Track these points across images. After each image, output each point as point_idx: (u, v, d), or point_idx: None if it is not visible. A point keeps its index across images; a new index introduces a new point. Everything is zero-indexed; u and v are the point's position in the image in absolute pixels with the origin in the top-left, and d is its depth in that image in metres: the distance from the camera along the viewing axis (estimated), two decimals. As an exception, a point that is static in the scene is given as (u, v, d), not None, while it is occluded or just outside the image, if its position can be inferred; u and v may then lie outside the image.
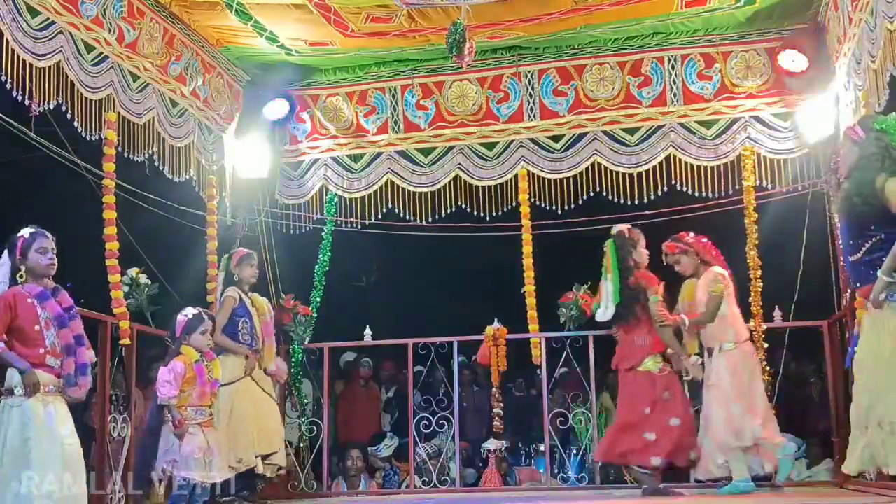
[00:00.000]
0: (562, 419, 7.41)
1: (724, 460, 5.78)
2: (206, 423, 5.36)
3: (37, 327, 4.17)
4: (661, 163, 7.16)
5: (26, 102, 5.13)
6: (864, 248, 4.22)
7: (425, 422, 7.45)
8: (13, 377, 4.12)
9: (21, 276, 4.26)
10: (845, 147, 4.53)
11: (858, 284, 4.34)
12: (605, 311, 6.08)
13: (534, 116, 7.40)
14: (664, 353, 6.00)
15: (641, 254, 6.15)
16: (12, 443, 4.04)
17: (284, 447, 6.54)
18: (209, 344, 5.50)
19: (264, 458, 6.14)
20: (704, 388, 5.97)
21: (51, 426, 4.10)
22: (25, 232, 4.32)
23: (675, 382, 6.01)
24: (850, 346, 4.73)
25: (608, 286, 6.06)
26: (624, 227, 6.24)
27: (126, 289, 6.13)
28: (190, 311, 5.53)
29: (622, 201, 7.19)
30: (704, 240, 6.16)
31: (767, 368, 6.83)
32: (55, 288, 4.35)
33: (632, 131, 7.25)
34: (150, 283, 6.45)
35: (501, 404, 7.44)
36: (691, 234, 6.18)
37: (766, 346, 6.84)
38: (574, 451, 7.52)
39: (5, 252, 4.33)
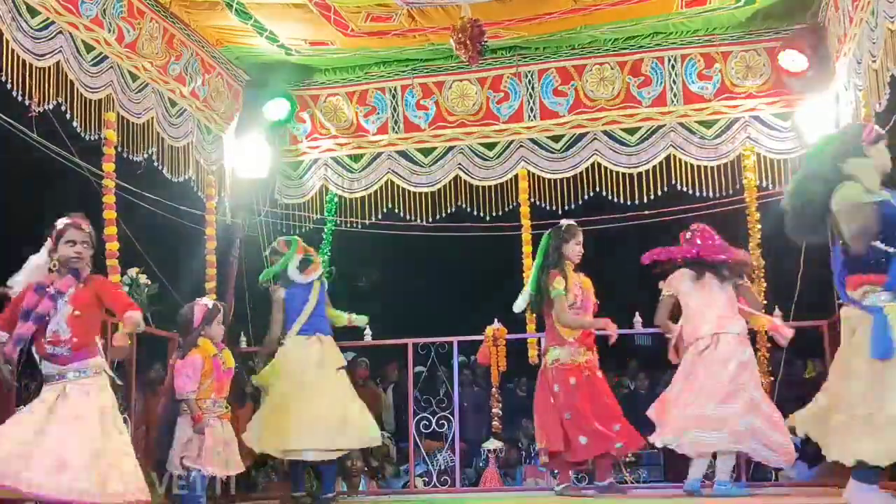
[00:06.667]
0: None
1: None
2: (224, 416, 5.32)
3: (46, 319, 4.20)
4: (661, 163, 7.17)
5: (26, 102, 5.13)
6: None
7: (425, 422, 7.44)
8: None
9: (54, 265, 4.30)
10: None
11: None
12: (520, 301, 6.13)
13: (534, 116, 7.40)
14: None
15: (573, 249, 6.08)
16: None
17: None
18: (221, 334, 5.44)
19: None
20: None
21: (45, 422, 4.09)
22: (61, 222, 4.36)
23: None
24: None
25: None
26: (565, 221, 6.23)
27: (126, 289, 6.12)
28: (207, 301, 5.49)
29: (622, 201, 7.21)
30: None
31: (768, 368, 6.84)
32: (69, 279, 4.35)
33: (632, 131, 7.26)
34: (150, 283, 6.44)
35: (501, 404, 7.44)
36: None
37: (767, 345, 6.84)
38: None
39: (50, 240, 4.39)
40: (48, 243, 4.34)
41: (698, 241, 5.80)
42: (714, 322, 5.62)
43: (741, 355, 5.56)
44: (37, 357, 4.27)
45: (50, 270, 4.30)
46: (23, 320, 4.20)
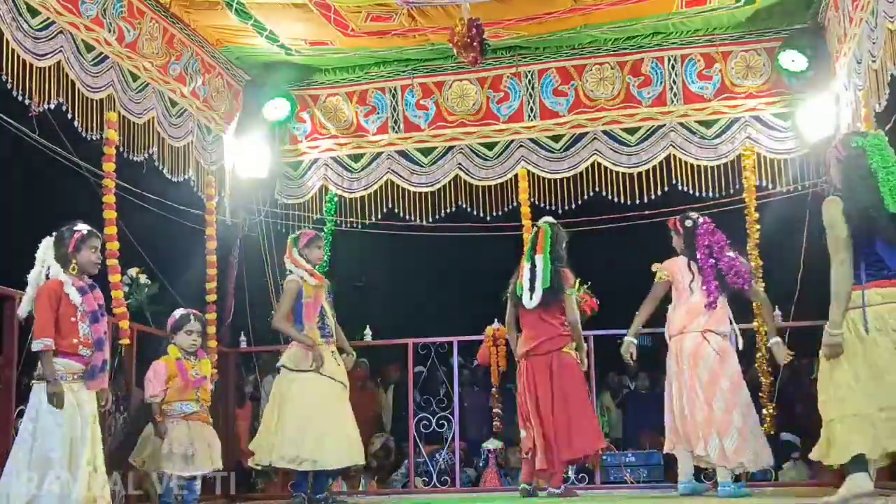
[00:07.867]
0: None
1: None
2: (195, 417, 5.51)
3: (73, 319, 4.36)
4: (661, 163, 7.18)
5: (26, 102, 5.13)
6: None
7: (425, 422, 7.45)
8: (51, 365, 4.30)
9: (73, 269, 4.44)
10: (831, 163, 4.56)
11: None
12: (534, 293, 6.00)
13: (534, 116, 7.40)
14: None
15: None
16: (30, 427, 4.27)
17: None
18: (193, 344, 5.60)
19: None
20: None
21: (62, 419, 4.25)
22: (84, 228, 4.53)
23: None
24: None
25: (539, 268, 5.99)
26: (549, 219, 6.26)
27: (126, 289, 6.13)
28: (178, 312, 5.69)
29: (622, 201, 7.21)
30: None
31: (767, 369, 6.85)
32: (91, 284, 4.55)
33: (632, 131, 7.26)
34: (150, 282, 6.44)
35: (501, 404, 7.46)
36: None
37: (767, 345, 6.84)
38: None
39: (48, 240, 4.48)
40: (59, 244, 4.44)
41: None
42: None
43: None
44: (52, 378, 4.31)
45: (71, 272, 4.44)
46: (91, 321, 4.42)
